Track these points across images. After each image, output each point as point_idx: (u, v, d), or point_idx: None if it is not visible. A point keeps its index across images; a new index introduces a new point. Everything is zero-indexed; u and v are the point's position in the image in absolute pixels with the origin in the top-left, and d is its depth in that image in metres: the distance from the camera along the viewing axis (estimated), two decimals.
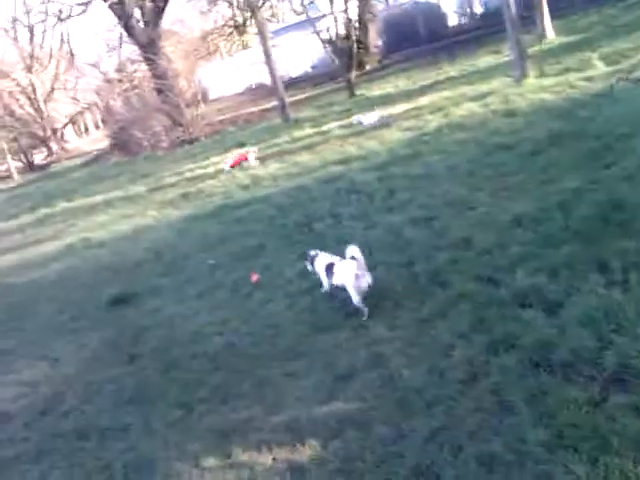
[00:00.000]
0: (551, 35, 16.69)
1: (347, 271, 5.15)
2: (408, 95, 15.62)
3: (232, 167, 13.32)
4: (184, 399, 4.65)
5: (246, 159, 13.23)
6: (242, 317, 5.80)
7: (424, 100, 14.04)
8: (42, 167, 34.96)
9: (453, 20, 28.98)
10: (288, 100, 19.39)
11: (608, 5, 18.93)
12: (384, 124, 10.21)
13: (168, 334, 5.98)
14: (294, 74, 31.13)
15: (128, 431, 4.52)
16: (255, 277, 6.61)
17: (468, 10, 28.15)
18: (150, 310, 6.71)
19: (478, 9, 27.83)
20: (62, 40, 38.81)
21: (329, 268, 5.49)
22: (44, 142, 39.16)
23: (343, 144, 12.07)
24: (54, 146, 38.86)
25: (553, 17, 17.13)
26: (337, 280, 5.37)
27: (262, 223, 8.59)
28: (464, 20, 28.15)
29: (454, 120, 10.74)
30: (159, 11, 24.74)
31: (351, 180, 9.12)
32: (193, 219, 10.19)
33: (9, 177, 34.62)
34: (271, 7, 28.98)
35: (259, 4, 19.01)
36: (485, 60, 17.37)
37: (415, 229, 6.47)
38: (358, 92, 19.24)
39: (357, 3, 24.52)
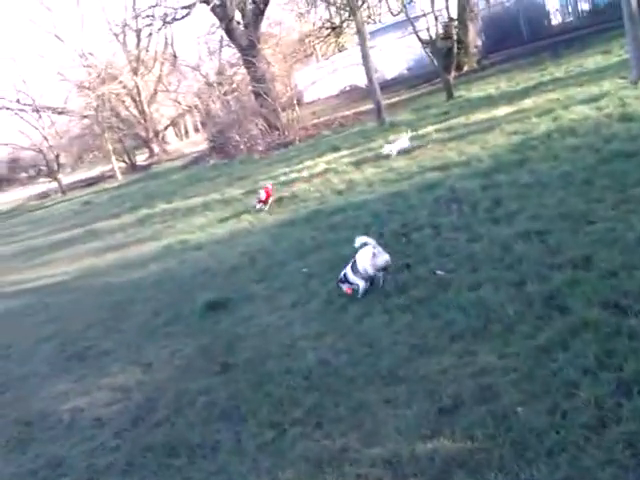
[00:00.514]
0: None
1: (365, 254, 5.97)
2: (510, 97, 14.83)
3: (264, 203, 11.74)
4: (277, 418, 4.45)
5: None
6: (337, 332, 5.54)
7: (528, 102, 13.25)
8: (144, 168, 36.55)
9: (557, 18, 27.51)
10: (383, 103, 19.03)
11: None
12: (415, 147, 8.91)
13: (261, 345, 5.83)
14: (389, 76, 30.69)
15: (218, 450, 4.36)
16: (349, 289, 6.34)
17: (573, 8, 26.58)
18: (244, 318, 6.60)
19: (584, 6, 26.22)
20: (166, 43, 40.39)
21: (353, 268, 6.11)
22: (146, 143, 40.95)
23: (442, 148, 11.58)
24: (156, 148, 40.53)
25: None
26: (362, 269, 6.02)
27: (357, 230, 8.27)
28: (569, 18, 26.61)
29: (564, 124, 9.98)
30: (259, 13, 25.09)
31: (451, 187, 8.66)
32: (287, 224, 10.08)
33: (113, 177, 36.44)
34: (368, 8, 28.65)
35: (359, 4, 18.70)
36: (594, 60, 16.21)
37: (526, 244, 5.95)
38: (456, 94, 18.58)
39: (457, 2, 23.75)
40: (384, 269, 6.15)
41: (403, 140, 10.83)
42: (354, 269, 6.16)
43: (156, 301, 8.25)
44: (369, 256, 5.99)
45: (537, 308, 4.75)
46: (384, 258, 6.00)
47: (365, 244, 6.08)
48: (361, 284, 6.14)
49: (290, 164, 16.56)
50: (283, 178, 14.52)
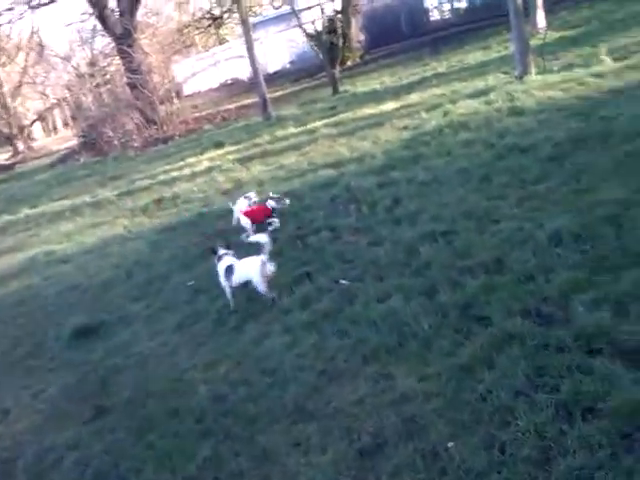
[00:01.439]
0: (545, 30, 15.90)
1: (253, 263, 5.45)
2: (396, 92, 14.73)
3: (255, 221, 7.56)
4: (165, 478, 3.66)
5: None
6: (232, 358, 4.81)
7: (414, 97, 13.18)
8: (6, 168, 33.26)
9: (436, 15, 28.22)
10: (268, 97, 18.36)
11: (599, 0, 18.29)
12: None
13: (142, 380, 4.96)
14: (272, 69, 30.05)
15: None
16: None
17: (450, 5, 27.38)
18: (120, 345, 5.67)
19: (462, 4, 27.07)
20: (32, 31, 37.13)
21: (229, 270, 5.61)
22: (9, 140, 37.43)
23: (333, 144, 11.12)
24: (20, 145, 37.13)
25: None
26: (239, 278, 5.57)
27: None
28: (448, 15, 27.36)
29: (454, 119, 9.84)
30: (135, 0, 23.52)
31: (347, 186, 8.17)
32: (169, 229, 9.12)
33: None
34: None
35: None
36: (474, 56, 16.56)
37: (432, 246, 5.53)
38: (342, 89, 18.32)
39: None
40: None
41: (250, 196, 8.08)
42: (228, 272, 5.62)
43: (15, 327, 7.05)
44: (258, 266, 5.45)
45: (454, 319, 4.31)
46: (270, 269, 5.53)
47: (258, 242, 5.62)
48: (223, 285, 5.67)
49: (170, 161, 15.47)
50: (163, 177, 13.47)
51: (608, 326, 3.63)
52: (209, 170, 12.51)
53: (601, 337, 3.56)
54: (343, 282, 5.46)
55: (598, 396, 3.13)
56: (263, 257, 5.46)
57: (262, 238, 5.62)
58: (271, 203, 7.39)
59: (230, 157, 13.15)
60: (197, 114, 23.80)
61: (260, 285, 5.47)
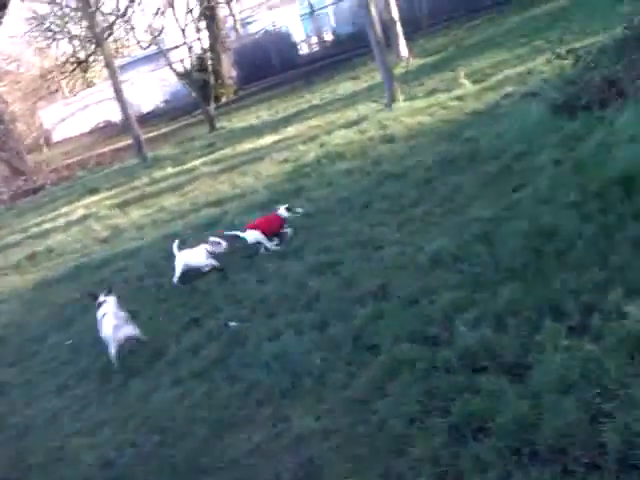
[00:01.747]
0: (408, 58, 16.80)
1: (108, 323, 5.22)
2: (273, 126, 14.91)
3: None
4: None
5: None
6: (119, 419, 4.51)
7: (292, 130, 13.38)
8: None
9: (304, 49, 29.05)
10: (143, 137, 17.90)
11: (453, 27, 19.61)
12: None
13: (21, 451, 4.53)
14: (146, 109, 29.46)
15: None
16: None
17: (318, 38, 28.30)
18: None
19: (328, 36, 28.06)
20: None
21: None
22: None
23: (214, 182, 10.97)
24: None
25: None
26: (103, 332, 5.33)
27: (130, 285, 7.27)
28: (316, 48, 28.23)
29: (331, 149, 10.06)
30: None
31: (231, 224, 8.04)
32: (44, 285, 8.54)
33: None
34: (115, 41, 27.14)
35: (104, 36, 17.43)
36: (345, 86, 17.11)
37: (319, 278, 5.54)
38: (219, 125, 18.26)
39: (208, 34, 23.62)
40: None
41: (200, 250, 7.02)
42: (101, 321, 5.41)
43: None
44: (110, 328, 5.23)
45: (346, 352, 4.30)
46: (126, 332, 5.31)
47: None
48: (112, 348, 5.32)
49: (43, 212, 14.63)
50: (35, 229, 12.68)
51: (490, 342, 3.74)
52: (84, 218, 11.94)
53: (484, 354, 3.66)
54: (233, 324, 5.32)
55: (487, 414, 3.19)
56: (115, 321, 5.25)
57: (109, 307, 5.51)
58: (283, 212, 6.95)
59: (107, 203, 12.65)
60: (69, 160, 22.79)
61: (111, 348, 5.24)
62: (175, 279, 6.69)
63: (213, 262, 6.64)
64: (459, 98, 10.47)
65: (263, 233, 6.67)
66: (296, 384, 4.15)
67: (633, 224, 4.22)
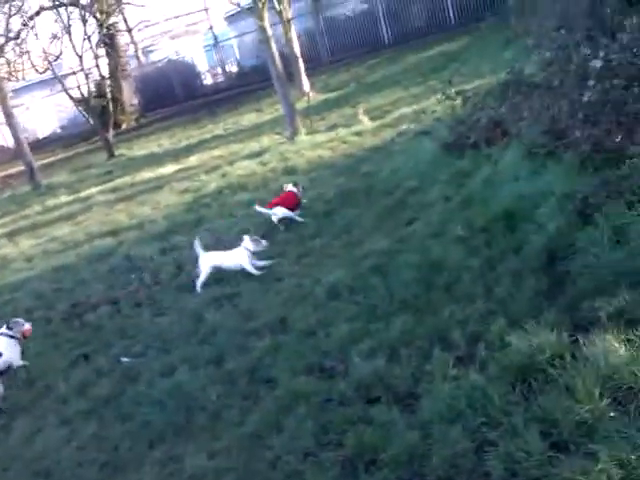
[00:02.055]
0: (309, 93, 17.16)
1: None
2: (175, 154, 14.72)
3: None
4: None
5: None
6: None
7: (193, 159, 13.26)
8: None
9: (208, 79, 28.99)
10: (38, 164, 17.06)
11: (355, 64, 20.29)
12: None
13: None
14: (41, 135, 28.16)
15: None
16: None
17: (222, 69, 28.35)
18: None
19: (233, 68, 28.18)
20: None
21: None
22: None
23: (110, 211, 10.61)
24: None
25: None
26: None
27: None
28: (220, 79, 28.24)
29: (233, 180, 10.05)
30: None
31: (127, 255, 7.79)
32: None
33: None
34: (8, 64, 25.83)
35: None
36: (248, 118, 17.21)
37: (218, 311, 5.47)
38: (118, 152, 17.75)
39: (108, 61, 23.06)
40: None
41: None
42: None
43: None
44: None
45: (242, 386, 4.25)
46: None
47: None
48: None
49: None
50: None
51: (383, 373, 3.82)
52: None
53: (378, 385, 3.73)
54: (125, 360, 5.11)
55: (379, 446, 3.23)
56: None
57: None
58: (292, 188, 7.09)
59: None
60: None
61: None
62: (199, 284, 6.17)
63: (259, 263, 6.18)
64: (358, 134, 10.80)
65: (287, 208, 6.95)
66: (190, 421, 4.05)
67: (514, 257, 4.49)
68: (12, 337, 5.43)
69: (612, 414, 2.77)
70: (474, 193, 6.02)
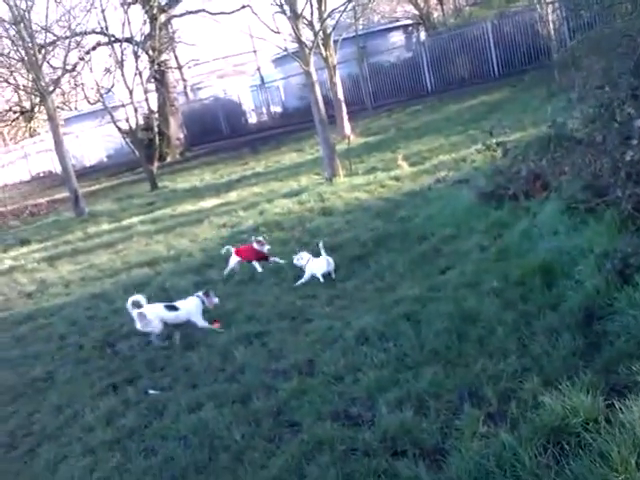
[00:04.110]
0: (351, 136, 17.40)
1: None
2: (216, 189, 15.01)
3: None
4: None
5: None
6: None
7: (233, 195, 13.50)
8: None
9: (253, 117, 29.69)
10: (82, 191, 17.59)
11: (397, 110, 20.54)
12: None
13: None
14: (88, 163, 29.11)
15: None
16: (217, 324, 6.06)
17: (266, 109, 29.01)
18: None
19: (277, 108, 28.82)
20: None
21: None
22: None
23: (149, 242, 10.82)
24: None
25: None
26: None
27: (51, 344, 6.97)
28: (264, 118, 28.89)
29: (270, 218, 10.18)
30: None
31: (162, 286, 7.90)
32: None
33: None
34: (63, 94, 26.98)
35: (50, 89, 17.33)
36: (289, 157, 17.53)
37: (247, 349, 5.47)
38: (161, 184, 18.19)
39: (157, 95, 23.89)
40: None
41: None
42: None
43: None
44: None
45: (266, 428, 4.20)
46: None
47: None
48: None
49: None
50: None
51: (410, 425, 3.74)
52: (11, 270, 11.45)
53: (404, 437, 3.65)
54: (152, 392, 5.14)
55: None
56: None
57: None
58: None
59: (36, 255, 12.22)
60: (1, 209, 21.99)
61: None
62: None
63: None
64: (396, 178, 10.87)
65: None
66: (213, 460, 4.01)
67: (550, 314, 4.41)
68: (203, 302, 6.15)
69: None
70: (511, 245, 5.97)
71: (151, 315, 6.00)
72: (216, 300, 6.31)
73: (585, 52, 7.13)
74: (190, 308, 6.12)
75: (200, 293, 6.28)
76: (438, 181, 9.60)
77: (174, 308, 6.10)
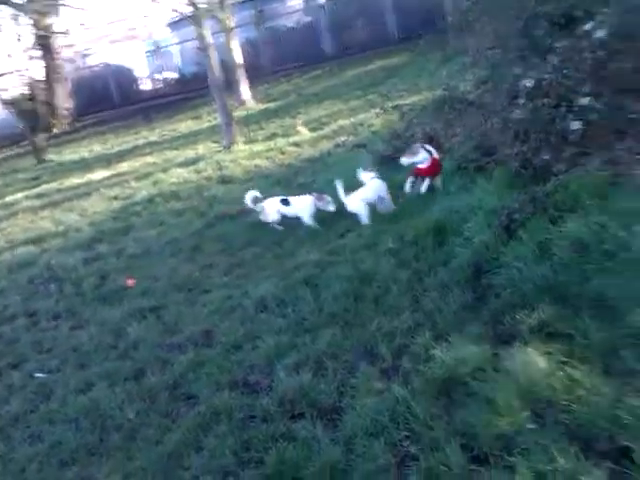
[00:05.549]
0: (250, 102, 17.07)
1: None
2: (106, 160, 14.32)
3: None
4: None
5: None
6: None
7: (125, 166, 12.92)
8: None
9: (147, 85, 28.44)
10: None
11: (296, 75, 20.31)
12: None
13: None
14: None
15: None
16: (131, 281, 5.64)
17: (161, 76, 27.86)
18: None
19: (172, 74, 27.74)
20: None
21: None
22: None
23: (35, 218, 10.14)
24: None
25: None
26: None
27: None
28: (159, 85, 27.73)
29: (165, 188, 9.80)
30: None
31: (48, 264, 7.43)
32: None
33: None
34: None
35: None
36: (186, 125, 16.97)
37: (140, 324, 5.24)
38: (47, 157, 17.08)
39: (43, 63, 22.28)
40: None
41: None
42: None
43: None
44: None
45: (161, 403, 4.05)
46: None
47: None
48: None
49: None
50: None
51: (308, 388, 3.71)
52: None
53: (302, 400, 3.62)
54: (39, 375, 4.82)
55: (300, 463, 3.13)
56: None
57: None
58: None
59: None
60: None
61: None
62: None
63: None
64: (296, 144, 10.76)
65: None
66: (105, 440, 3.83)
67: (442, 270, 4.49)
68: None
69: (531, 426, 2.77)
70: (407, 206, 6.04)
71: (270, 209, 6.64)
72: (331, 207, 6.31)
73: (478, 15, 7.23)
74: (302, 206, 6.45)
75: (315, 194, 6.43)
76: (337, 146, 9.59)
77: (288, 203, 6.55)
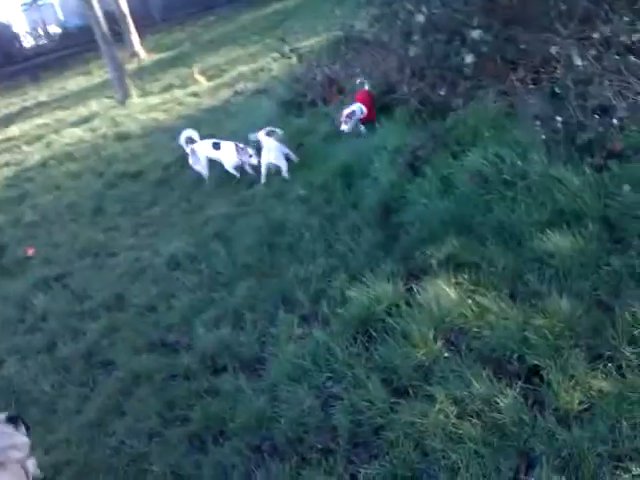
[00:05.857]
0: (142, 53, 16.23)
1: None
2: None
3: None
4: None
5: None
6: None
7: (14, 130, 12.06)
8: None
9: (29, 41, 26.37)
10: None
11: (189, 23, 19.46)
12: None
13: None
14: None
15: None
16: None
17: (44, 31, 25.88)
18: None
19: (56, 29, 25.83)
20: None
21: None
22: None
23: None
24: None
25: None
26: None
27: None
28: (43, 41, 25.78)
29: (60, 150, 9.24)
30: None
31: None
32: None
33: None
34: None
35: None
36: (76, 82, 15.99)
37: (46, 295, 5.00)
38: None
39: None
40: None
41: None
42: None
43: None
44: None
45: (77, 372, 3.93)
46: None
47: None
48: None
49: None
50: None
51: (229, 341, 3.69)
52: None
53: (224, 354, 3.61)
54: None
55: (226, 416, 3.13)
56: None
57: None
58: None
59: None
60: None
61: None
62: None
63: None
64: (195, 94, 10.41)
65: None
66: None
67: (352, 212, 4.54)
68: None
69: (446, 355, 2.89)
70: (314, 151, 6.00)
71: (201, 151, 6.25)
72: (254, 161, 5.85)
73: None
74: (227, 152, 6.08)
75: (241, 145, 5.96)
76: (237, 93, 9.34)
77: (219, 147, 6.19)
